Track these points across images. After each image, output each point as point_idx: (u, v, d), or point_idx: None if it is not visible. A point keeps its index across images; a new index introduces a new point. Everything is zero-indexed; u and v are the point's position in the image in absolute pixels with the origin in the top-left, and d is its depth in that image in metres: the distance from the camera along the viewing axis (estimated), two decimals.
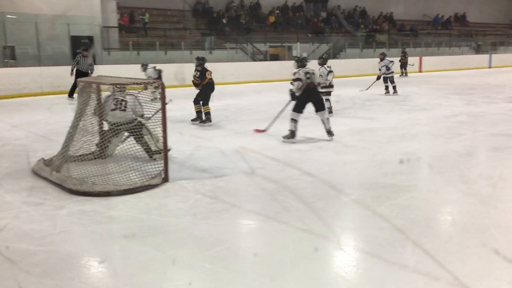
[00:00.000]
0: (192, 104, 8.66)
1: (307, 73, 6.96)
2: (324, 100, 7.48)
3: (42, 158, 5.70)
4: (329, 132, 7.06)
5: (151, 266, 3.15)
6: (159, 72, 11.64)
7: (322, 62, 9.63)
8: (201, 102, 8.52)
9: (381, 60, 13.51)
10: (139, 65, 12.16)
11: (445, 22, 30.84)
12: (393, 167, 5.53)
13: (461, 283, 2.87)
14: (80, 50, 12.29)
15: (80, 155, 5.53)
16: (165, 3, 20.89)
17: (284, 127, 7.02)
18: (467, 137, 7.25)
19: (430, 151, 6.47)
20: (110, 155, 5.76)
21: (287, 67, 18.33)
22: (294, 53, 20.19)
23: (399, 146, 6.68)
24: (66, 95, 12.44)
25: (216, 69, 17.34)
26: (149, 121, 5.70)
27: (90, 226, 3.85)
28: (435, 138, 7.27)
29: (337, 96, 12.30)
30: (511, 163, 5.87)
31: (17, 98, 12.78)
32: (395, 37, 26.07)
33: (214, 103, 11.37)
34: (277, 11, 24.05)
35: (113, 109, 5.68)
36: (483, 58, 26.91)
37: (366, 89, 13.90)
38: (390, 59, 13.70)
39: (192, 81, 8.53)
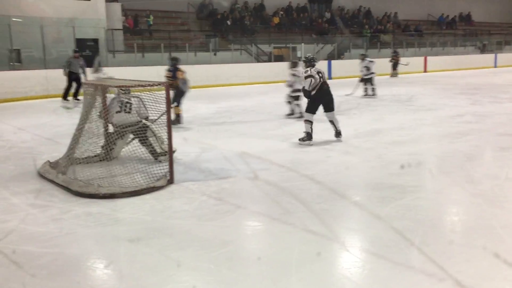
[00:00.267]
0: (196, 105, 8.65)
1: (319, 72, 6.87)
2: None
3: (48, 161, 5.73)
4: (338, 133, 7.01)
5: (157, 268, 3.16)
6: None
7: (294, 65, 9.39)
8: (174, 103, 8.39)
9: (362, 60, 13.12)
10: (143, 67, 12.14)
11: (450, 22, 30.72)
12: (399, 167, 5.51)
13: (466, 284, 2.86)
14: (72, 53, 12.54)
15: (86, 157, 5.55)
16: (170, 5, 20.94)
17: (288, 128, 7.01)
18: (473, 137, 7.22)
19: (436, 152, 6.45)
20: (116, 157, 5.78)
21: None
22: (299, 54, 20.20)
23: (404, 146, 6.65)
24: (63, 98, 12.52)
25: (221, 71, 17.59)
26: (154, 123, 5.72)
27: (96, 228, 3.86)
28: (440, 138, 7.24)
29: (342, 97, 12.29)
30: None
31: (23, 101, 12.85)
32: (399, 37, 26.00)
33: (219, 104, 11.41)
34: (281, 12, 24.06)
35: (118, 111, 5.71)
36: (488, 57, 26.80)
37: (351, 94, 13.00)
38: (370, 59, 13.23)
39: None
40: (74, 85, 12.33)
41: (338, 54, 22.23)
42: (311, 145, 6.73)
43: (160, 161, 5.61)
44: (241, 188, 4.90)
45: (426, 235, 3.59)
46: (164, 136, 5.33)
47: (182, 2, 21.10)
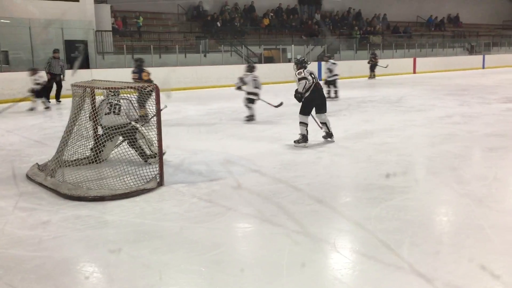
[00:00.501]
0: (186, 107, 8.63)
1: (311, 73, 6.85)
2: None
3: (37, 163, 5.67)
4: (330, 135, 7.01)
5: (147, 270, 3.14)
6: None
7: (250, 69, 9.39)
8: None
9: (326, 62, 12.79)
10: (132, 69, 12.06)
11: (439, 23, 31.01)
12: (388, 168, 5.54)
13: (456, 284, 2.88)
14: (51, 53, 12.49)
15: (75, 160, 5.51)
16: (159, 7, 20.88)
17: (279, 130, 7.02)
18: (461, 138, 7.28)
19: (425, 152, 6.49)
20: (105, 160, 5.74)
21: (282, 70, 18.49)
22: (289, 55, 20.23)
23: (394, 147, 6.69)
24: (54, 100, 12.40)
25: (211, 72, 17.55)
26: (144, 125, 5.69)
27: (85, 231, 3.83)
28: (430, 139, 7.29)
29: (331, 98, 12.33)
30: (506, 164, 5.90)
31: (11, 103, 12.72)
32: (389, 39, 26.18)
33: (209, 106, 11.38)
34: (271, 14, 24.10)
35: (107, 113, 5.67)
36: (476, 59, 27.08)
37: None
38: (333, 61, 12.96)
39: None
40: (54, 86, 12.26)
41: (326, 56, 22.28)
42: (306, 147, 6.74)
43: (149, 163, 5.58)
44: (231, 190, 4.88)
45: (416, 235, 3.61)
46: (154, 138, 5.30)
47: (171, 4, 21.06)
